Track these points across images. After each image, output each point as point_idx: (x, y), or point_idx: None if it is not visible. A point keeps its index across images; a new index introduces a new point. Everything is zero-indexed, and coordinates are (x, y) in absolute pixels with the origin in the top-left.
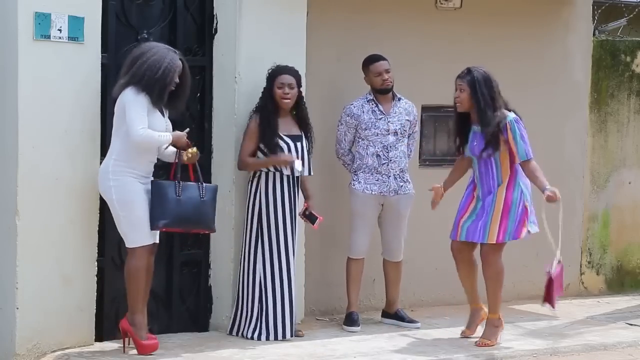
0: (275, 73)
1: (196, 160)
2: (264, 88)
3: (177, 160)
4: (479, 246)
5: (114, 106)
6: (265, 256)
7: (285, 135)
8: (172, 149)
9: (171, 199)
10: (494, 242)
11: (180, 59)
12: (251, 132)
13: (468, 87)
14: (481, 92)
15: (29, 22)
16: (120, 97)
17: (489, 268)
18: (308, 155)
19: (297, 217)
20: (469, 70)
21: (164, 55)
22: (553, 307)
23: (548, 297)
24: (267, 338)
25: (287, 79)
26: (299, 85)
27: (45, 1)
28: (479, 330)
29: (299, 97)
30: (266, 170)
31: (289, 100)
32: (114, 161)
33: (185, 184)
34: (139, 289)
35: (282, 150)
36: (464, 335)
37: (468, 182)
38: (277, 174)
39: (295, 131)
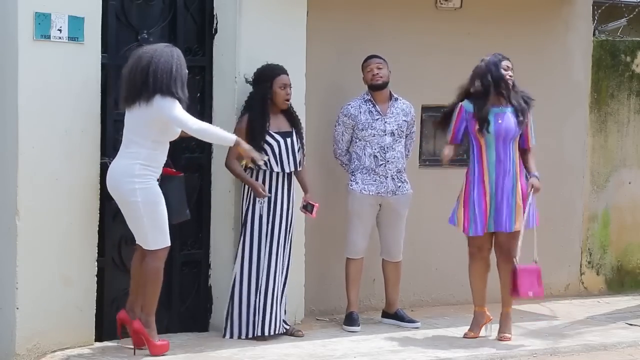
0: (274, 73)
1: None
2: (257, 87)
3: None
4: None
5: (114, 107)
6: (245, 255)
7: (275, 132)
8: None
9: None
10: (518, 230)
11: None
12: (240, 132)
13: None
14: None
15: (29, 22)
16: (150, 106)
17: (510, 260)
18: (298, 150)
19: (288, 214)
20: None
21: (169, 53)
22: (519, 295)
23: (514, 288)
24: (240, 337)
25: (287, 79)
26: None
27: (45, 1)
28: (481, 332)
29: None
30: (256, 168)
31: (289, 101)
32: (141, 165)
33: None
34: (158, 291)
35: (265, 153)
36: (467, 337)
37: (468, 174)
38: (267, 172)
39: (286, 127)
